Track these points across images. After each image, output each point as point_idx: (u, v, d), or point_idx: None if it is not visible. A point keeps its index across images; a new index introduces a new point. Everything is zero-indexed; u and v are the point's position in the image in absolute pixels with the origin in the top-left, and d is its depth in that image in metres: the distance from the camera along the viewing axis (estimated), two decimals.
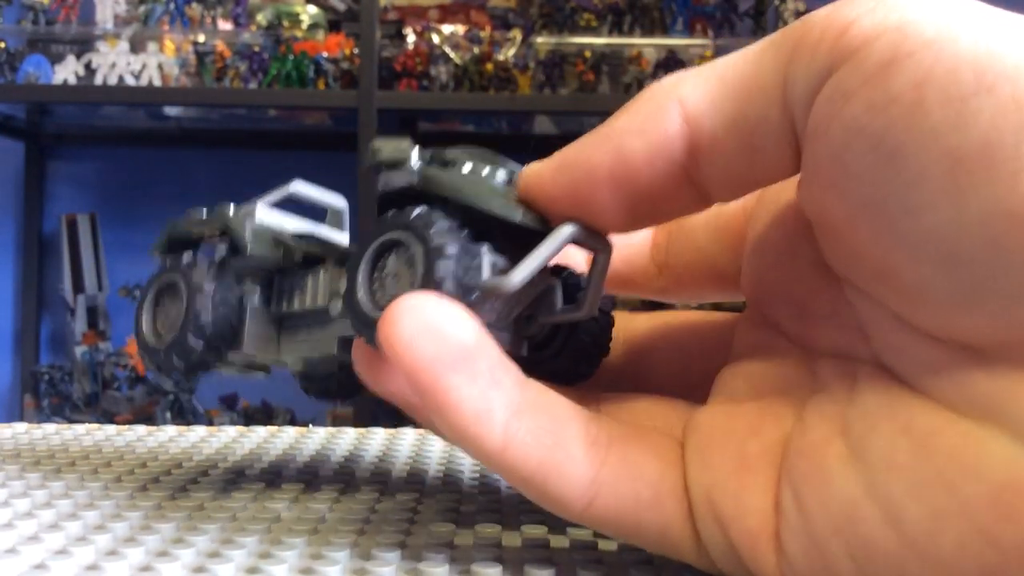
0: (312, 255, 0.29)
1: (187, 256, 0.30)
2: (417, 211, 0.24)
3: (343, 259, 0.28)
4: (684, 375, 0.29)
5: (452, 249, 0.23)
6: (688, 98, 0.22)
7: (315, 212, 0.33)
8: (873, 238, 0.20)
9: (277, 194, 0.30)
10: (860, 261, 0.21)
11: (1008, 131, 0.18)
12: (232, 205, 0.30)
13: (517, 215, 0.24)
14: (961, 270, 0.19)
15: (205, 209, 0.31)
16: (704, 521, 0.22)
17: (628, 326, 0.30)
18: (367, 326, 0.24)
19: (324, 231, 0.31)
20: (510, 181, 0.25)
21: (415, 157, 0.26)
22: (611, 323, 0.28)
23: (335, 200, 0.32)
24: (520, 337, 0.27)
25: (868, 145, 0.19)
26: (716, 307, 0.33)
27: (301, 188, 0.31)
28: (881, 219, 0.20)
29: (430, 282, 0.23)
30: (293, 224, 0.30)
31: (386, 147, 0.26)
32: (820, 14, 0.21)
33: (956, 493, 0.19)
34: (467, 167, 0.25)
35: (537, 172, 0.24)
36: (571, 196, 0.23)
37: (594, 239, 0.25)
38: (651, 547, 0.23)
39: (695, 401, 0.26)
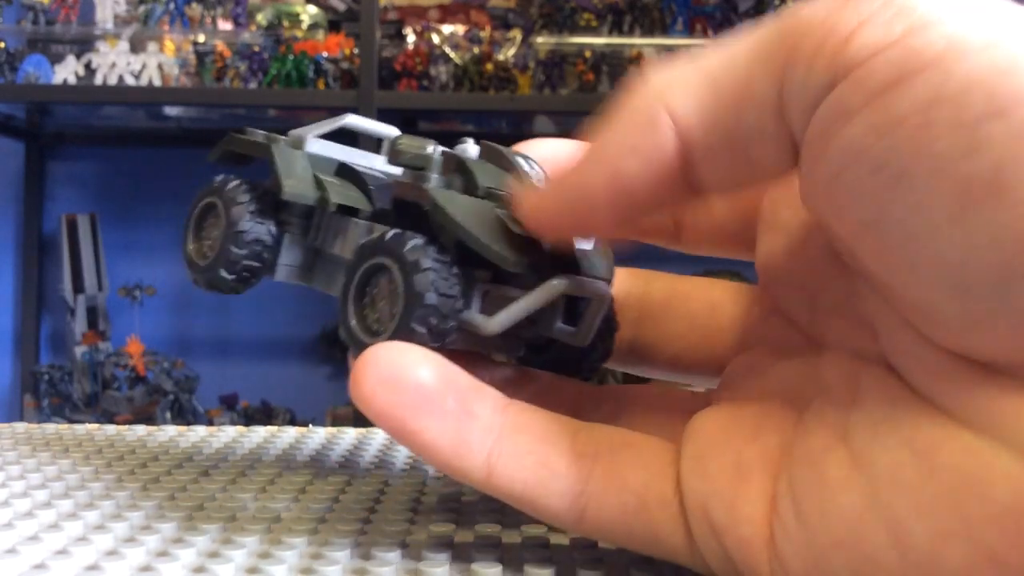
0: (346, 206, 0.29)
1: (232, 182, 0.30)
2: (410, 244, 0.24)
3: (376, 216, 0.28)
4: (695, 350, 0.29)
5: (431, 299, 0.24)
6: (678, 109, 0.21)
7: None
8: (876, 257, 0.20)
9: (329, 125, 0.30)
10: (866, 273, 0.21)
11: (1020, 157, 0.17)
12: (282, 138, 0.30)
13: (513, 262, 0.24)
14: (971, 295, 0.18)
15: (262, 133, 0.31)
16: (699, 529, 0.22)
17: (645, 290, 0.30)
18: (359, 348, 0.24)
19: (376, 161, 0.31)
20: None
21: (436, 167, 0.26)
22: (614, 329, 0.28)
23: (390, 131, 0.32)
24: (518, 340, 0.27)
25: (869, 168, 0.18)
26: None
27: (355, 121, 0.31)
28: (884, 241, 0.19)
29: (408, 321, 0.24)
30: (341, 155, 0.30)
31: (408, 149, 0.26)
32: (817, 15, 0.19)
33: (962, 513, 0.18)
34: (482, 177, 0.26)
35: (536, 203, 0.24)
36: (570, 220, 0.23)
37: (589, 288, 0.25)
38: (646, 552, 0.24)
39: (704, 374, 0.27)
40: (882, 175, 0.18)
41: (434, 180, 0.26)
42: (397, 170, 0.29)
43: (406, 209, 0.26)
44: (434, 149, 0.26)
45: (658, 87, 0.22)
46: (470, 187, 0.26)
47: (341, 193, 0.28)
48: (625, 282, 0.30)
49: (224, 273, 0.29)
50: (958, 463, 0.18)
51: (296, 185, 0.28)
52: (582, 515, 0.23)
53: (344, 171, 0.29)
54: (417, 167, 0.26)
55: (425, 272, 0.24)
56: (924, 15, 0.18)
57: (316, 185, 0.28)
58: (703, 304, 0.29)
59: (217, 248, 0.30)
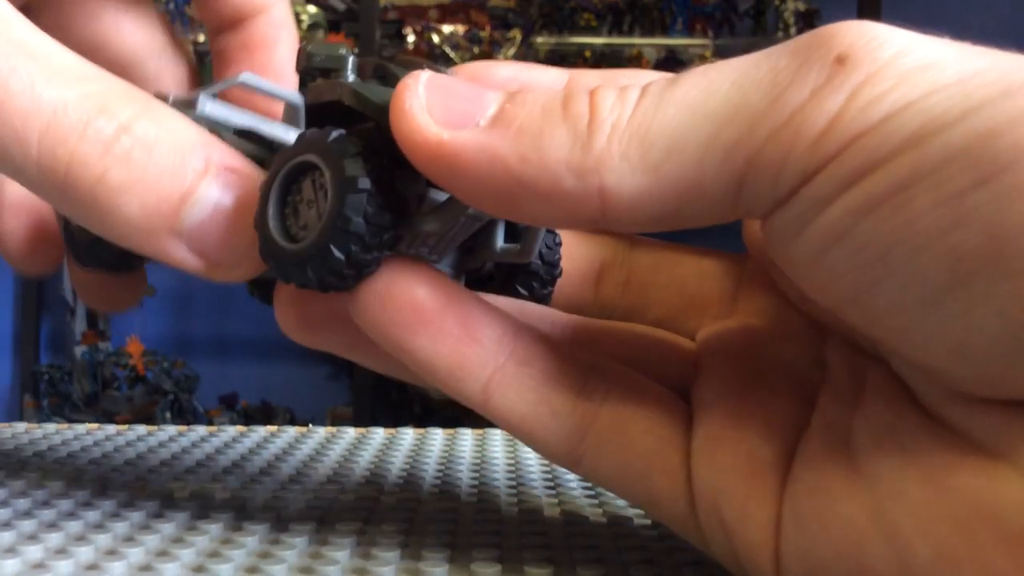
0: (257, 160, 0.26)
1: None
2: (334, 135, 0.22)
3: None
4: (681, 317, 0.28)
5: (364, 183, 0.21)
6: (612, 192, 0.19)
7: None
8: (866, 326, 0.19)
9: (224, 84, 0.28)
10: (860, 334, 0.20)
11: (1014, 223, 0.16)
12: (170, 96, 0.27)
13: None
14: (975, 361, 0.17)
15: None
16: (708, 520, 0.22)
17: (631, 252, 0.29)
18: (277, 258, 0.23)
19: (277, 128, 0.28)
20: None
21: (351, 67, 0.24)
22: (558, 252, 0.27)
23: (290, 94, 0.29)
24: (459, 270, 0.26)
25: (851, 249, 0.18)
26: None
27: (252, 80, 0.28)
28: (872, 315, 0.19)
29: (339, 216, 0.22)
30: (240, 119, 0.28)
31: (321, 52, 0.24)
32: (777, 114, 0.18)
33: (972, 537, 0.17)
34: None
35: (428, 143, 0.20)
36: (452, 185, 0.21)
37: None
38: (640, 507, 0.23)
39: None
40: (865, 254, 0.18)
41: (352, 78, 0.24)
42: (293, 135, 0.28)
43: (319, 119, 0.24)
44: (347, 51, 0.24)
45: (595, 159, 0.19)
46: (390, 86, 0.23)
47: (247, 153, 0.26)
48: (609, 245, 0.29)
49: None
50: (970, 487, 0.18)
51: None
52: (580, 460, 0.23)
53: (244, 134, 0.27)
54: (330, 69, 0.24)
55: (355, 157, 0.22)
56: (897, 100, 0.18)
57: None
58: (692, 271, 0.28)
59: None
